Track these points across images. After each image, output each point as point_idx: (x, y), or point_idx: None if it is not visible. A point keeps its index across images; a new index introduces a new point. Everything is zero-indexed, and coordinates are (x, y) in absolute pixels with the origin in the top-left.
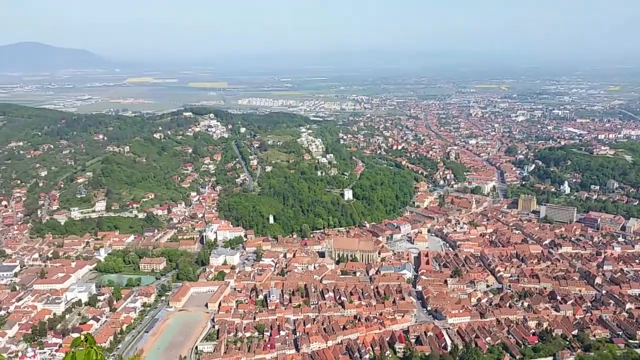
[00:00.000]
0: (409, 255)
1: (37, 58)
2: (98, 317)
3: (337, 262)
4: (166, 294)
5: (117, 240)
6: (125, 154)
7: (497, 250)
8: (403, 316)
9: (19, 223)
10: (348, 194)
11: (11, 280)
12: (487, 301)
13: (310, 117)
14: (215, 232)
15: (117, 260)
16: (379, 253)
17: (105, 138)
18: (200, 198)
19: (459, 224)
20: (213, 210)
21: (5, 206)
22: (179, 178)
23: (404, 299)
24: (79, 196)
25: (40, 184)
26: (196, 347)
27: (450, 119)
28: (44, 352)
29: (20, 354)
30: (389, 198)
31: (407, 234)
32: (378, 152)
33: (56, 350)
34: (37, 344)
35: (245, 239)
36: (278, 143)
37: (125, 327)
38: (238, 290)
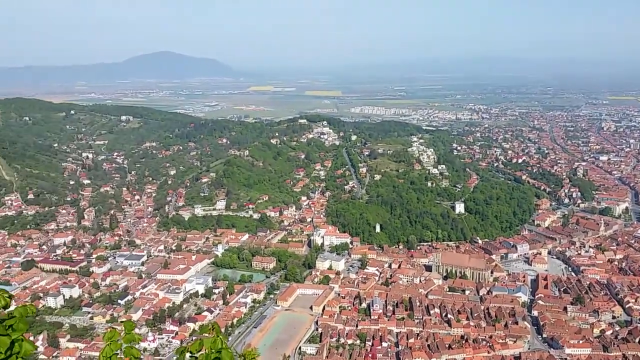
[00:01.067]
0: (526, 277)
1: (171, 66)
2: (212, 309)
3: (445, 278)
4: (274, 292)
5: (233, 238)
6: (245, 158)
7: (627, 279)
8: (515, 341)
9: (149, 216)
10: (459, 207)
11: (138, 269)
12: (612, 334)
13: (423, 127)
14: (323, 237)
15: (232, 256)
16: (492, 272)
17: (228, 142)
18: (310, 203)
19: (584, 247)
20: (321, 215)
21: (138, 200)
22: (292, 182)
23: (517, 323)
24: (202, 195)
25: (169, 182)
26: (300, 348)
27: (578, 132)
28: (162, 338)
29: (142, 336)
30: (505, 214)
31: (525, 254)
32: (495, 164)
33: (173, 337)
34: (157, 330)
35: (351, 246)
36: (388, 152)
37: (235, 320)
38: (342, 296)
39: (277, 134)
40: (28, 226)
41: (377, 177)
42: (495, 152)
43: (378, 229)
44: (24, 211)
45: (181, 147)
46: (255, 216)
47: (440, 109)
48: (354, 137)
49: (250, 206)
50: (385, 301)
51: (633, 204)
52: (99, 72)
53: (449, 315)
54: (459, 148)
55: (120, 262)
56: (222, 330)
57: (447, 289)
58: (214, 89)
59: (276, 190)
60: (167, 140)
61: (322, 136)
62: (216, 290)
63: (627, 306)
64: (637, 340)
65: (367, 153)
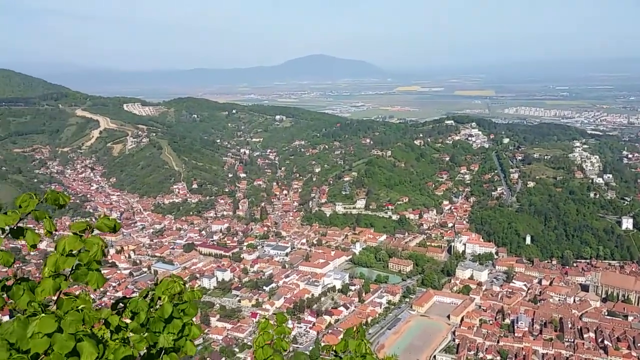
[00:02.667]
0: None
1: (322, 68)
2: (348, 305)
3: (604, 300)
4: (410, 296)
5: (371, 237)
6: (387, 158)
7: None
8: None
9: (294, 211)
10: (627, 223)
11: (283, 259)
12: None
13: (588, 131)
14: (464, 244)
15: (369, 255)
16: None
17: (371, 142)
18: (453, 207)
19: None
20: (464, 222)
21: (286, 195)
22: (433, 185)
23: None
24: (343, 193)
25: (314, 179)
26: (434, 357)
27: None
28: (300, 327)
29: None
30: None
31: None
32: None
33: (310, 327)
34: (296, 318)
35: (496, 257)
36: (545, 157)
37: (370, 319)
38: (483, 309)
39: (421, 135)
40: (191, 212)
41: (531, 184)
42: None
43: (528, 241)
44: (189, 199)
45: (327, 146)
46: (394, 217)
47: (609, 112)
48: (505, 140)
49: (390, 207)
50: (532, 319)
51: None
52: (258, 75)
53: (605, 342)
54: (630, 156)
55: (267, 251)
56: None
57: (606, 313)
58: (361, 89)
59: (417, 193)
60: (314, 139)
61: (469, 138)
62: (352, 287)
63: None
64: None
65: (520, 158)
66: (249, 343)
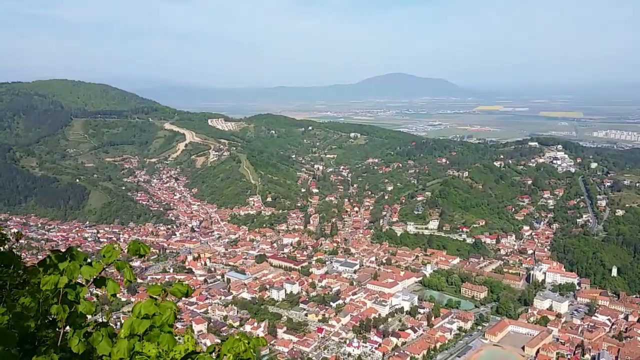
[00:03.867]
0: None
1: (400, 86)
2: (416, 328)
3: None
4: (483, 324)
5: (443, 260)
6: (464, 179)
7: None
8: None
9: (364, 228)
10: None
11: (351, 276)
12: None
13: None
14: (544, 273)
15: (440, 278)
16: None
17: (447, 162)
18: (533, 234)
19: None
20: (545, 249)
21: (357, 212)
22: (513, 209)
23: None
24: (416, 212)
25: (386, 197)
26: None
27: None
28: (366, 347)
29: (347, 341)
30: None
31: None
32: None
33: (375, 348)
34: (362, 337)
35: (578, 288)
36: (637, 184)
37: (439, 345)
38: (561, 342)
39: (501, 157)
40: (264, 225)
41: (620, 212)
42: None
43: (615, 273)
44: (263, 211)
45: (400, 165)
46: (469, 240)
47: None
48: (593, 165)
49: (464, 229)
50: (617, 357)
51: None
52: (335, 93)
53: None
54: None
55: (336, 267)
56: (424, 352)
57: None
58: (439, 108)
59: (495, 216)
60: (388, 157)
61: (554, 161)
62: (421, 310)
63: None
64: None
65: (609, 184)
66: (313, 358)
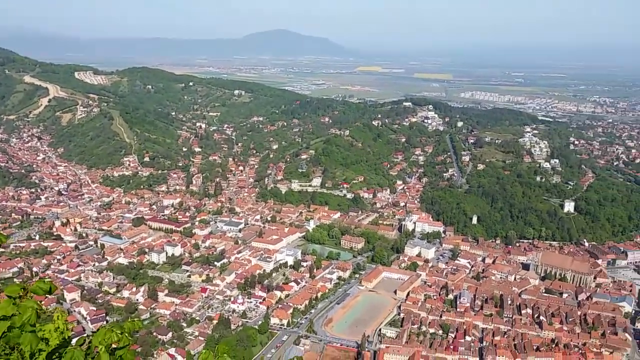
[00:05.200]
0: (633, 286)
1: (285, 44)
2: (299, 280)
3: (542, 279)
4: (360, 272)
5: (325, 215)
6: (345, 137)
7: None
8: (612, 353)
9: (249, 187)
10: (569, 206)
11: (235, 235)
12: None
13: (539, 117)
14: (415, 223)
15: (322, 232)
16: (595, 278)
17: (330, 121)
18: (405, 187)
19: None
20: (415, 201)
21: (241, 171)
22: (389, 165)
23: (616, 334)
24: (300, 170)
25: (271, 156)
26: (380, 330)
27: None
28: (250, 302)
29: (232, 298)
30: (620, 218)
31: (635, 262)
32: (615, 163)
33: (260, 303)
34: (246, 293)
35: (443, 235)
36: (496, 141)
37: (320, 294)
38: (428, 285)
39: (379, 116)
40: (142, 186)
41: (481, 166)
42: (616, 150)
43: (475, 221)
44: (139, 172)
45: (285, 123)
46: (349, 196)
47: (560, 99)
48: (460, 124)
49: (345, 185)
50: (474, 295)
51: None
52: (218, 47)
53: (541, 317)
54: (576, 142)
55: (220, 227)
56: (306, 302)
57: (543, 290)
58: (322, 67)
59: (372, 172)
60: (273, 115)
61: (425, 120)
62: (304, 263)
63: None
64: None
65: (472, 141)
66: (197, 318)
